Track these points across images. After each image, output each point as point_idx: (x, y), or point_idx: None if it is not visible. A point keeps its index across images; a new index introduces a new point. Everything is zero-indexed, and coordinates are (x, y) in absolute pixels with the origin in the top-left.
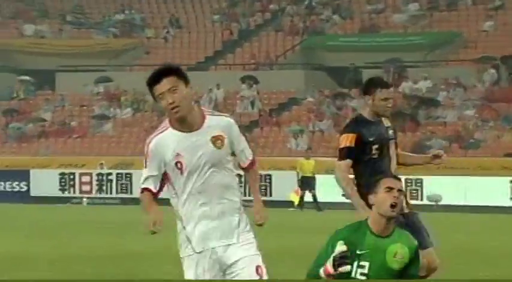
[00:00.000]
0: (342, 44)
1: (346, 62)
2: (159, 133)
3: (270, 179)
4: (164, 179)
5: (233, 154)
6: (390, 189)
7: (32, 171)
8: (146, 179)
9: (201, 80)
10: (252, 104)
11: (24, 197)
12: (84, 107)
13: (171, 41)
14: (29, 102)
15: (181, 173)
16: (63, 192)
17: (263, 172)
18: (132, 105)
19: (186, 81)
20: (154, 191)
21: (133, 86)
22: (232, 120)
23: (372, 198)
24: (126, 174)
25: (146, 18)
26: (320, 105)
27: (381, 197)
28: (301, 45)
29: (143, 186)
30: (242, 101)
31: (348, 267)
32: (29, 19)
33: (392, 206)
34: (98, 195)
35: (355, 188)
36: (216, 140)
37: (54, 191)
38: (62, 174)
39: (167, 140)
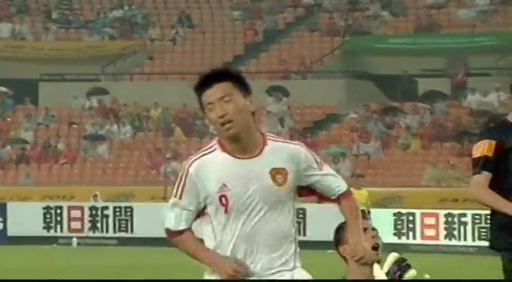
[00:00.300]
0: (392, 46)
1: (397, 69)
2: (203, 155)
3: (304, 214)
4: (202, 212)
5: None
6: None
7: (9, 205)
8: (180, 215)
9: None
10: (281, 121)
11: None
12: (74, 125)
13: (181, 44)
14: (5, 120)
15: (226, 211)
16: (48, 231)
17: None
18: (133, 123)
19: (245, 90)
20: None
21: (133, 98)
22: (303, 149)
23: None
24: (126, 208)
25: (150, 15)
26: (365, 123)
27: None
28: (341, 49)
29: (180, 227)
30: (269, 117)
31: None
32: (6, 16)
33: None
34: (91, 234)
35: (502, 199)
36: (277, 174)
37: (37, 229)
38: (47, 208)
39: (212, 165)
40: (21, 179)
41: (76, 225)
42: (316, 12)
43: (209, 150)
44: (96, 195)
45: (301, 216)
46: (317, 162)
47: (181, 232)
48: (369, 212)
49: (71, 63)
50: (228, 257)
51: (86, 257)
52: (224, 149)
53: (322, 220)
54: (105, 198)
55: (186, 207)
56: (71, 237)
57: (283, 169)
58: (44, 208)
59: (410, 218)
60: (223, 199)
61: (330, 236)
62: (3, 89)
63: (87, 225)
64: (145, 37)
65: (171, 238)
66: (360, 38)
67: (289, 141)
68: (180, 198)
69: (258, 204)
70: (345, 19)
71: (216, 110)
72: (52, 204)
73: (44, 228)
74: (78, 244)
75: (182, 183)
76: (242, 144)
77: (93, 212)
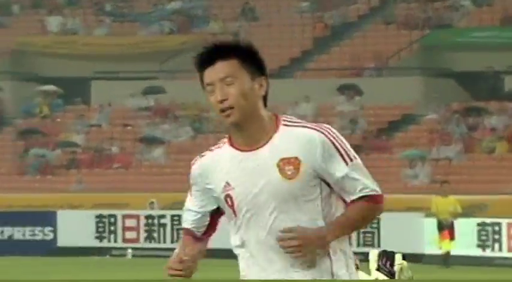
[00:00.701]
0: (476, 40)
1: (481, 65)
2: (209, 151)
3: (378, 223)
4: (216, 219)
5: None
6: None
7: (59, 213)
8: (185, 215)
9: (284, 90)
10: (354, 122)
11: (49, 247)
12: (128, 127)
13: (244, 38)
14: (55, 121)
15: (234, 213)
16: (100, 241)
17: None
18: (193, 124)
19: (256, 70)
20: (197, 234)
21: (193, 98)
22: (322, 134)
23: None
24: None
25: (211, 7)
26: (446, 124)
27: None
28: (420, 43)
29: (183, 225)
30: (340, 118)
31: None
32: (55, 9)
33: None
34: (147, 245)
35: None
36: (286, 165)
37: (88, 239)
38: (99, 216)
39: (217, 162)
40: (71, 185)
41: (131, 235)
42: (392, 3)
43: (217, 145)
44: (152, 202)
45: (374, 225)
46: (342, 155)
47: (186, 233)
48: (452, 223)
49: (125, 59)
50: (187, 250)
51: (142, 269)
52: (231, 143)
53: (397, 230)
54: (162, 206)
55: (189, 207)
56: (125, 248)
57: (295, 158)
58: (97, 217)
59: (496, 228)
60: (229, 200)
61: (405, 248)
62: (53, 88)
63: (142, 235)
64: (205, 31)
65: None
66: (440, 31)
67: (309, 124)
68: (191, 196)
69: (268, 203)
70: (424, 10)
71: (215, 93)
72: (105, 212)
73: (96, 238)
74: (133, 256)
75: (189, 183)
76: (247, 133)
77: (150, 221)
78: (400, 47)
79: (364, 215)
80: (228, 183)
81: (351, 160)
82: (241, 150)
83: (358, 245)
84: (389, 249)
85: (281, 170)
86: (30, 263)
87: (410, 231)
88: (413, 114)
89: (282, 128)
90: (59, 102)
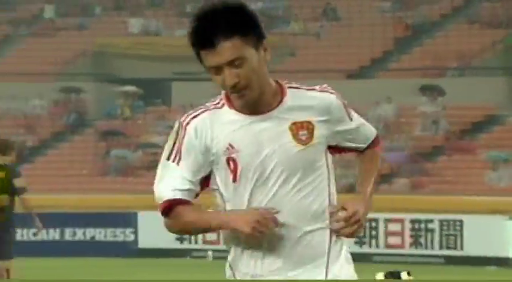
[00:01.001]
0: None
1: None
2: (205, 111)
3: (461, 226)
4: (204, 184)
5: (336, 147)
6: None
7: (140, 215)
8: (177, 184)
9: (365, 91)
10: (436, 123)
11: (129, 249)
12: None
13: (325, 39)
14: (136, 122)
15: (235, 179)
16: (181, 243)
17: (450, 216)
18: None
19: (257, 39)
20: (189, 203)
21: None
22: (335, 97)
23: None
24: None
25: (291, 7)
26: None
27: None
28: (504, 42)
29: (177, 196)
30: (422, 118)
31: None
32: (137, 10)
33: None
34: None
35: None
36: (300, 130)
37: (169, 241)
38: None
39: (216, 123)
40: (152, 186)
41: (211, 236)
42: (476, 2)
43: (213, 105)
44: None
45: (457, 228)
46: (348, 114)
47: (178, 203)
48: None
49: None
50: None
51: (222, 271)
52: (232, 105)
53: (481, 233)
54: None
55: (184, 175)
56: (205, 250)
57: (309, 123)
58: None
59: None
60: (232, 163)
61: (489, 251)
62: (133, 89)
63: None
64: (286, 31)
65: (166, 213)
66: None
67: (316, 87)
68: (178, 164)
69: (275, 172)
70: (508, 9)
71: (224, 78)
72: None
73: (177, 239)
74: (214, 258)
75: (178, 145)
76: (256, 101)
77: None
78: (483, 46)
79: (379, 161)
80: (231, 146)
81: (352, 117)
82: (246, 114)
83: (441, 247)
84: (473, 253)
85: (294, 135)
86: (111, 264)
87: (494, 234)
88: (496, 115)
89: (290, 91)
90: (139, 104)
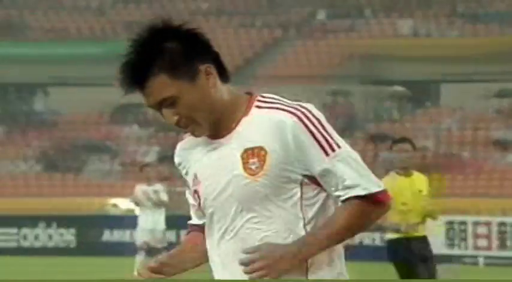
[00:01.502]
0: None
1: None
2: (189, 135)
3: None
4: None
5: (313, 179)
6: None
7: None
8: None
9: None
10: None
11: None
12: (480, 131)
13: None
14: (404, 125)
15: (203, 213)
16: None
17: None
18: None
19: (193, 64)
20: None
21: None
22: (294, 117)
23: None
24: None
25: None
26: None
27: None
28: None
29: (190, 222)
30: None
31: None
32: (407, 12)
33: None
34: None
35: None
36: (249, 158)
37: None
38: None
39: (194, 148)
40: None
41: (482, 242)
42: None
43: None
44: None
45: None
46: (320, 142)
47: (189, 230)
48: None
49: (477, 61)
50: (161, 262)
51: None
52: None
53: None
54: None
55: (189, 198)
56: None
57: (260, 149)
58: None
59: None
60: (197, 197)
61: None
62: (402, 89)
63: (494, 242)
64: None
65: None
66: None
67: (286, 104)
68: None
69: (233, 205)
70: None
71: (164, 118)
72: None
73: None
74: (485, 264)
75: None
76: (215, 122)
77: (502, 228)
78: None
79: (353, 222)
80: (196, 177)
81: (333, 150)
82: (210, 138)
83: None
84: None
85: (244, 164)
86: None
87: None
88: None
89: (253, 110)
90: (408, 106)
